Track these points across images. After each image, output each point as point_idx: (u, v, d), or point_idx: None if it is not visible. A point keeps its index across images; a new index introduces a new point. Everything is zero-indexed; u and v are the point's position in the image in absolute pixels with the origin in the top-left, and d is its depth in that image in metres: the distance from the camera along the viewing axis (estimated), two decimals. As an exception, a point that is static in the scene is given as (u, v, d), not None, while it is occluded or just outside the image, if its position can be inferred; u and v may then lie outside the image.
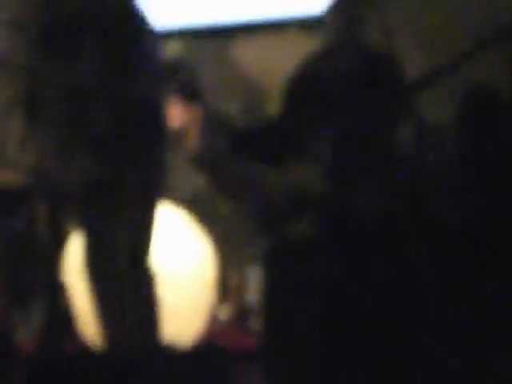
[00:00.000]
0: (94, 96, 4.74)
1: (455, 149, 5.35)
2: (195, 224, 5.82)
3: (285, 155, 5.45)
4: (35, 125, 4.62)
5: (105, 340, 4.80)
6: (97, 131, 4.72)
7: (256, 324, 5.92)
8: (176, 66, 6.28)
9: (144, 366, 4.25)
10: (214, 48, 7.17)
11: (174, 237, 5.72)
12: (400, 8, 6.07)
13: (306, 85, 5.58)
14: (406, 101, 5.56)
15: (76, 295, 5.26)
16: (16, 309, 5.82)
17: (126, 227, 4.73)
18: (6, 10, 6.25)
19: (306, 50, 5.72)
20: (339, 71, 5.50)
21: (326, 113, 5.40)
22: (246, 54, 7.09)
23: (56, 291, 5.29)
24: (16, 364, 4.35)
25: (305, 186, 5.22)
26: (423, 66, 5.50)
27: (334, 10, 5.65)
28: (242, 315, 6.21)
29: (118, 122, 4.76)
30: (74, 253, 5.30)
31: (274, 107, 6.09)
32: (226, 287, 6.14)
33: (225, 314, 6.25)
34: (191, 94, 6.32)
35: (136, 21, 4.81)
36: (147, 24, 4.79)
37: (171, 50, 5.58)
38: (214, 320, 5.96)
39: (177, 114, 6.04)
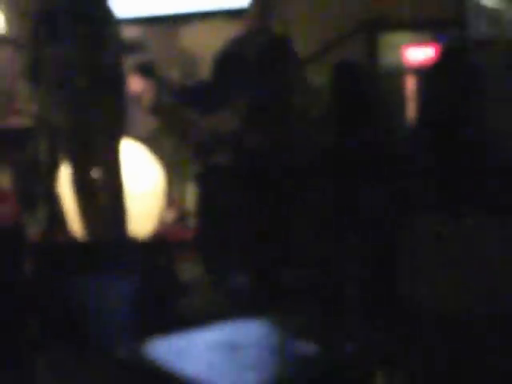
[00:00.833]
0: (76, 64, 5.05)
1: (329, 103, 5.25)
2: (149, 154, 6.01)
3: (211, 106, 5.50)
4: (38, 85, 4.99)
5: (87, 234, 5.22)
6: (79, 89, 5.08)
7: (192, 223, 6.15)
8: (135, 45, 6.29)
9: (114, 250, 4.47)
10: (161, 32, 7.26)
11: (134, 163, 5.82)
12: (293, 6, 6.32)
13: (229, 57, 5.52)
14: (298, 70, 5.55)
15: (67, 202, 5.46)
16: (26, 212, 5.98)
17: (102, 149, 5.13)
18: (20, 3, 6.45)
19: (230, 33, 5.67)
20: (253, 48, 5.44)
21: (241, 77, 5.33)
22: (186, 36, 7.19)
23: (54, 200, 5.43)
24: (26, 248, 4.39)
25: (223, 129, 5.34)
26: (309, 47, 5.70)
27: (252, 4, 5.58)
28: (182, 217, 6.45)
29: (93, 83, 5.10)
30: (66, 173, 5.59)
31: (204, 74, 6.03)
32: (171, 198, 6.34)
33: (170, 217, 6.48)
34: (146, 72, 6.36)
35: (105, 10, 5.09)
36: (112, 12, 5.11)
37: (131, 33, 5.65)
38: (163, 221, 6.19)
39: (136, 84, 6.16)
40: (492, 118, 4.26)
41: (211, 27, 6.90)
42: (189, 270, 5.13)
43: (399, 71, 6.60)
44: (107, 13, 5.07)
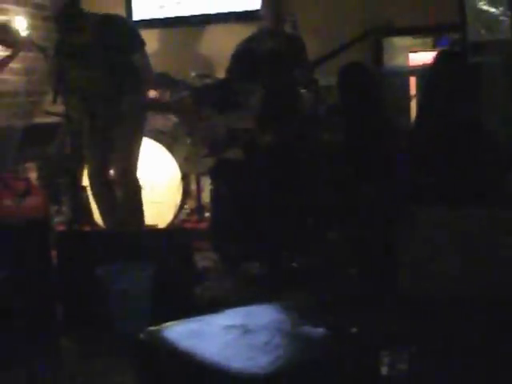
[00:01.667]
0: (97, 67, 4.97)
1: (336, 102, 5.20)
2: (166, 149, 6.05)
3: (226, 105, 5.40)
4: (61, 88, 4.97)
5: (107, 224, 5.30)
6: (100, 94, 5.05)
7: (207, 214, 6.15)
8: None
9: (134, 238, 4.39)
10: (179, 34, 7.20)
11: (154, 158, 5.93)
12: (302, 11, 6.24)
13: (243, 58, 5.49)
14: (308, 71, 5.45)
15: (90, 194, 5.42)
16: (53, 205, 6.09)
17: (119, 151, 5.10)
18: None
19: (243, 36, 5.63)
20: (265, 49, 5.42)
21: (255, 77, 5.31)
22: (203, 38, 7.14)
23: (77, 192, 5.55)
24: (52, 238, 4.35)
25: (237, 126, 5.24)
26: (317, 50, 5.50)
27: (264, 8, 5.53)
28: (198, 209, 6.45)
29: (114, 85, 5.03)
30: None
31: (218, 74, 6.16)
32: (188, 190, 6.36)
33: (187, 207, 6.53)
34: (163, 85, 6.32)
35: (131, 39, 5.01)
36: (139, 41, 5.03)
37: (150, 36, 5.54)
38: (180, 211, 6.28)
39: (155, 95, 6.20)
40: (488, 118, 4.26)
41: (227, 29, 6.84)
42: (204, 258, 5.14)
43: (403, 73, 6.56)
44: (134, 41, 5.03)
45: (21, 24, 6.09)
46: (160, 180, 6.01)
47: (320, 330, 2.66)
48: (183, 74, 6.38)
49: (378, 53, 6.81)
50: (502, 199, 3.74)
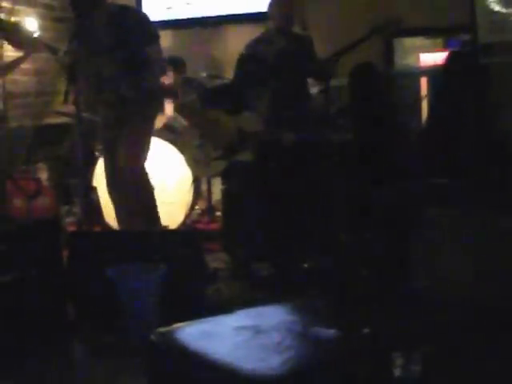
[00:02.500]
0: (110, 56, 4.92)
1: (348, 102, 5.24)
2: (178, 151, 6.04)
3: (235, 106, 5.41)
4: (73, 87, 4.96)
5: (120, 224, 5.25)
6: (112, 93, 5.01)
7: (218, 215, 6.18)
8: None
9: (145, 239, 4.37)
10: (191, 35, 7.22)
11: (166, 160, 5.95)
12: (311, 11, 6.24)
13: (252, 58, 5.46)
14: (318, 70, 5.35)
15: (101, 195, 5.54)
16: (63, 205, 6.15)
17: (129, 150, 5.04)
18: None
19: (253, 37, 5.60)
20: (275, 49, 5.41)
21: (264, 78, 5.34)
22: (213, 39, 7.18)
23: (88, 193, 5.43)
24: (63, 238, 4.35)
25: (247, 128, 5.23)
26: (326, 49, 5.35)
27: (274, 8, 5.49)
28: (209, 209, 6.49)
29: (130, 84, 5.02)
30: (99, 168, 5.59)
31: (228, 75, 6.06)
32: (200, 192, 6.34)
33: (199, 208, 6.54)
34: (176, 67, 6.46)
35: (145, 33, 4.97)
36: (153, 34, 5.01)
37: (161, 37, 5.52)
38: (191, 212, 6.27)
39: (166, 78, 6.01)
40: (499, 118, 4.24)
41: (238, 30, 6.87)
42: (215, 259, 5.13)
43: (414, 74, 6.55)
44: (148, 35, 5.00)
45: (32, 25, 6.09)
46: (171, 181, 5.99)
47: (332, 331, 2.64)
48: (194, 75, 6.39)
49: (388, 53, 6.82)
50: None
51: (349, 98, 5.25)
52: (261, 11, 6.06)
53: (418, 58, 6.80)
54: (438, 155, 4.07)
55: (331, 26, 6.53)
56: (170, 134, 6.17)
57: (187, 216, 6.14)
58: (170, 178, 6.01)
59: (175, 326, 2.69)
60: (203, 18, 7.21)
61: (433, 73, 6.07)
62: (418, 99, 6.32)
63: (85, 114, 5.14)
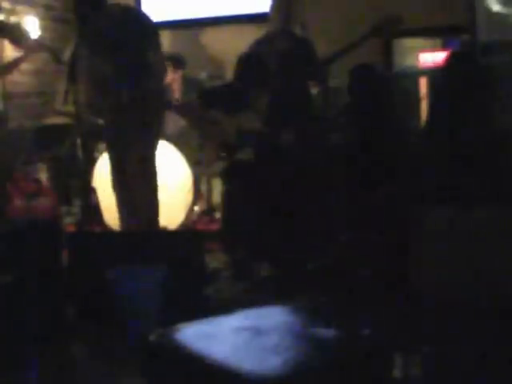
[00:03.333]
0: (109, 54, 4.87)
1: (346, 102, 5.14)
2: (178, 151, 6.02)
3: (235, 107, 5.43)
4: (73, 88, 4.95)
5: (122, 224, 5.19)
6: (113, 92, 4.95)
7: (218, 215, 6.15)
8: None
9: (146, 240, 4.36)
10: (190, 35, 7.26)
11: (165, 159, 5.79)
12: (311, 13, 6.22)
13: (252, 59, 5.46)
14: (317, 71, 5.44)
15: (101, 195, 5.51)
16: (62, 205, 6.07)
17: (137, 149, 5.04)
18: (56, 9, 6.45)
19: (252, 37, 5.61)
20: (275, 50, 5.38)
21: (264, 79, 5.32)
22: (212, 39, 7.18)
23: (88, 193, 5.47)
24: (62, 238, 4.34)
25: (247, 127, 5.28)
26: (326, 50, 5.41)
27: (274, 10, 5.51)
28: (209, 210, 6.49)
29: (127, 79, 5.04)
30: (99, 168, 5.63)
31: (229, 75, 6.00)
32: (199, 192, 6.35)
33: (198, 208, 6.50)
34: (176, 64, 6.49)
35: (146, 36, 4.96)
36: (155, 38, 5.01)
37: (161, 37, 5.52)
38: (191, 212, 6.27)
39: (168, 74, 6.09)
40: (500, 118, 4.22)
41: (238, 31, 6.84)
42: (215, 260, 5.11)
43: (413, 74, 6.54)
44: (149, 38, 4.99)
45: (32, 25, 6.09)
46: (171, 181, 5.96)
47: (332, 332, 2.62)
48: (194, 75, 6.41)
49: (388, 54, 6.82)
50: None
51: (348, 98, 5.17)
52: (261, 12, 6.09)
53: (418, 58, 6.79)
54: (438, 154, 4.05)
55: (331, 27, 6.51)
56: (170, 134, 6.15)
57: (187, 216, 6.13)
58: (170, 179, 5.97)
59: (175, 326, 2.68)
60: (203, 18, 7.21)
61: (432, 73, 6.06)
62: (417, 99, 6.31)
63: (85, 115, 5.12)
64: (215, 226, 6.06)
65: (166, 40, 6.85)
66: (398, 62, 6.89)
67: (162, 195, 5.57)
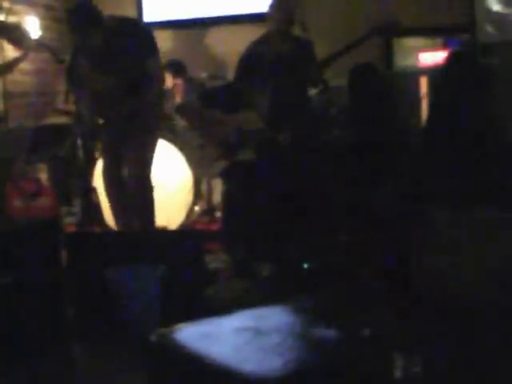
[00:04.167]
0: (111, 69, 5.00)
1: (347, 103, 5.14)
2: (178, 151, 6.04)
3: (235, 107, 5.39)
4: (74, 88, 4.96)
5: (118, 224, 5.25)
6: (113, 95, 5.03)
7: (218, 215, 6.14)
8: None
9: (145, 240, 4.36)
10: (191, 35, 7.26)
11: (166, 160, 5.89)
12: (312, 14, 6.19)
13: (252, 59, 5.42)
14: (317, 72, 5.42)
15: (101, 195, 5.47)
16: (63, 205, 6.08)
17: (133, 151, 5.07)
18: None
19: (253, 37, 5.60)
20: (275, 51, 5.37)
21: (264, 79, 5.28)
22: (213, 39, 7.18)
23: (88, 193, 5.51)
24: (63, 238, 4.33)
25: (247, 128, 5.22)
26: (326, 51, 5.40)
27: (273, 10, 5.45)
28: (209, 209, 6.46)
29: (126, 87, 5.06)
30: (100, 168, 5.58)
31: (229, 75, 5.99)
32: (200, 192, 6.34)
33: (199, 208, 6.49)
34: (176, 71, 6.51)
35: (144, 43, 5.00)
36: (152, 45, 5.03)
37: (161, 38, 5.51)
38: (192, 212, 6.23)
39: (169, 81, 6.20)
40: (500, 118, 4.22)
41: (239, 31, 6.83)
42: (215, 260, 5.08)
43: (414, 73, 6.53)
44: (147, 48, 5.02)
45: (32, 25, 6.09)
46: (171, 181, 5.98)
47: (332, 332, 2.61)
48: (195, 75, 6.40)
49: (388, 53, 6.82)
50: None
51: (348, 98, 5.16)
52: (261, 12, 5.97)
53: (418, 58, 6.79)
54: (438, 154, 4.05)
55: (330, 28, 6.50)
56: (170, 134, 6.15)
57: (188, 216, 6.12)
58: (171, 179, 6.00)
59: (175, 327, 2.67)
60: (203, 18, 7.21)
61: (432, 72, 6.05)
62: (417, 99, 6.30)
63: (85, 114, 5.11)
64: (215, 226, 6.05)
65: (167, 40, 7.01)
66: (399, 62, 6.89)
67: (162, 195, 5.63)
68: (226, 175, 5.40)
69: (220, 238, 5.39)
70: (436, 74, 4.90)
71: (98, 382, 3.47)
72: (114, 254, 4.13)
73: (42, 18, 6.53)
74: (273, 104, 5.31)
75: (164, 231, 5.40)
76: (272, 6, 5.56)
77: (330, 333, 2.61)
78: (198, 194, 6.25)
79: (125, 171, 5.16)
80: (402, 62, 6.91)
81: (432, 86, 6.03)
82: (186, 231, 5.72)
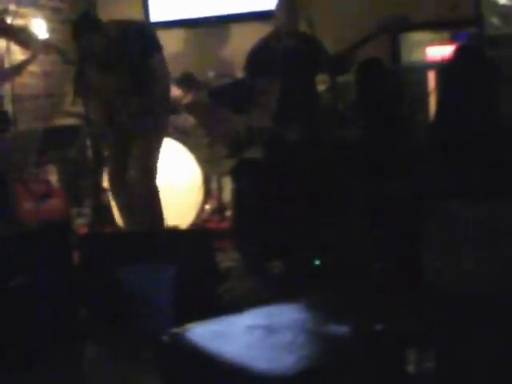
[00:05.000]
0: (116, 71, 5.01)
1: (354, 97, 5.17)
2: (187, 150, 6.07)
3: (244, 105, 5.36)
4: (81, 89, 4.96)
5: (127, 224, 5.28)
6: (119, 96, 5.03)
7: (228, 214, 6.13)
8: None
9: (156, 239, 4.40)
10: (198, 34, 7.25)
11: (175, 159, 5.92)
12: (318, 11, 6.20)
13: (260, 56, 5.44)
14: (325, 67, 5.42)
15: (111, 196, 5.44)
16: (74, 207, 6.14)
17: (139, 152, 5.07)
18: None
19: (260, 35, 5.59)
20: (282, 47, 5.37)
21: (272, 74, 5.27)
22: (220, 38, 7.16)
23: (99, 194, 5.42)
24: (74, 240, 4.35)
25: (256, 125, 5.21)
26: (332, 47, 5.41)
27: (280, 7, 5.47)
28: (220, 208, 6.42)
29: (132, 87, 5.07)
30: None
31: (237, 74, 6.11)
32: (210, 191, 6.34)
33: (209, 207, 6.47)
34: (186, 82, 6.46)
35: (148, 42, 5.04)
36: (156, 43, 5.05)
37: (168, 37, 5.51)
38: (202, 211, 6.25)
39: (179, 93, 6.24)
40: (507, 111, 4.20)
41: (246, 29, 6.81)
42: (226, 258, 5.08)
43: (421, 68, 6.51)
44: (150, 46, 5.03)
45: (39, 27, 6.10)
46: (181, 180, 5.98)
47: (345, 328, 2.61)
48: (202, 75, 6.40)
49: (395, 48, 6.80)
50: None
51: (356, 94, 5.19)
52: (268, 10, 5.99)
53: (425, 53, 6.77)
54: (447, 148, 4.03)
55: (338, 24, 6.45)
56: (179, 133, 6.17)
57: (198, 215, 6.11)
58: (180, 178, 6.00)
59: (187, 326, 2.67)
60: (210, 17, 7.18)
61: (440, 67, 6.04)
62: (425, 94, 6.28)
63: (94, 116, 5.12)
64: (226, 224, 6.04)
65: (174, 40, 6.99)
66: (406, 57, 6.87)
67: (172, 194, 5.65)
68: (235, 173, 5.38)
69: (231, 236, 5.38)
70: (444, 68, 4.88)
71: (111, 383, 3.47)
72: (126, 254, 4.12)
73: (50, 21, 6.54)
74: (281, 100, 5.30)
75: (175, 230, 5.40)
76: (278, 3, 5.56)
77: (343, 329, 2.60)
78: (207, 193, 6.25)
79: (131, 171, 5.17)
80: (409, 56, 6.89)
81: (440, 80, 6.01)
82: (196, 230, 5.71)
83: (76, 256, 4.21)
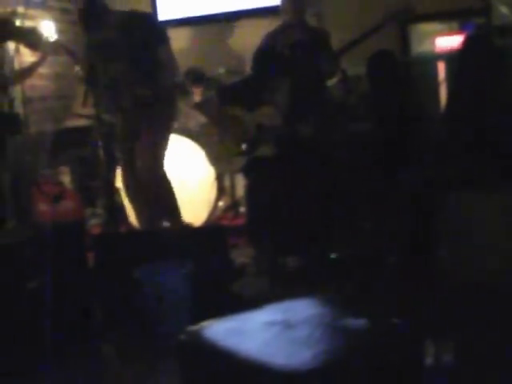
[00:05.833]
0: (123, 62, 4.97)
1: (366, 91, 5.28)
2: (199, 148, 6.04)
3: (254, 102, 5.35)
4: (91, 91, 4.96)
5: (141, 224, 5.28)
6: (127, 88, 5.01)
7: (242, 210, 6.17)
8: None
9: (171, 237, 4.41)
10: (207, 31, 7.26)
11: (187, 157, 5.94)
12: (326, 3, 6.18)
13: (268, 50, 5.44)
14: (334, 61, 5.34)
15: (125, 196, 5.43)
16: (87, 207, 6.15)
17: (148, 151, 5.05)
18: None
19: (268, 30, 5.56)
20: (291, 42, 5.35)
21: (281, 71, 5.25)
22: (230, 34, 7.20)
23: (112, 194, 5.45)
24: (88, 240, 4.39)
25: (267, 123, 5.20)
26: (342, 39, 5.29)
27: (287, 1, 5.46)
28: (233, 205, 6.48)
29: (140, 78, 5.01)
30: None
31: (248, 70, 5.94)
32: (223, 188, 6.29)
33: (223, 204, 6.41)
34: (196, 79, 6.52)
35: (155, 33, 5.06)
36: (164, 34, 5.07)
37: (178, 35, 5.49)
38: (216, 208, 6.20)
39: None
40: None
41: (256, 25, 6.73)
42: (241, 255, 5.07)
43: (431, 59, 6.49)
44: (157, 36, 5.03)
45: (49, 28, 6.10)
46: (194, 178, 5.98)
47: (362, 322, 2.59)
48: (213, 71, 6.39)
49: (404, 40, 6.79)
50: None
51: (367, 86, 5.20)
52: (277, 4, 5.91)
53: (434, 43, 6.75)
54: (459, 137, 4.02)
55: (345, 16, 6.46)
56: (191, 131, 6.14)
57: (211, 213, 6.10)
58: (192, 176, 5.99)
59: (204, 323, 2.66)
60: (220, 13, 7.20)
61: (450, 57, 6.02)
62: (436, 84, 6.26)
63: (105, 116, 5.12)
64: (240, 221, 6.05)
65: (184, 36, 7.05)
66: (415, 48, 6.85)
67: (185, 193, 5.62)
68: (245, 170, 5.39)
69: (245, 233, 5.36)
70: (453, 58, 4.87)
71: (128, 382, 3.48)
72: (141, 253, 4.12)
73: (58, 22, 6.54)
74: (291, 95, 5.26)
75: (189, 228, 5.37)
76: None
77: (360, 323, 2.59)
78: (221, 190, 6.22)
79: (138, 162, 5.12)
80: (418, 47, 6.87)
81: (450, 70, 5.99)
82: (211, 227, 5.69)
83: (90, 256, 4.22)
